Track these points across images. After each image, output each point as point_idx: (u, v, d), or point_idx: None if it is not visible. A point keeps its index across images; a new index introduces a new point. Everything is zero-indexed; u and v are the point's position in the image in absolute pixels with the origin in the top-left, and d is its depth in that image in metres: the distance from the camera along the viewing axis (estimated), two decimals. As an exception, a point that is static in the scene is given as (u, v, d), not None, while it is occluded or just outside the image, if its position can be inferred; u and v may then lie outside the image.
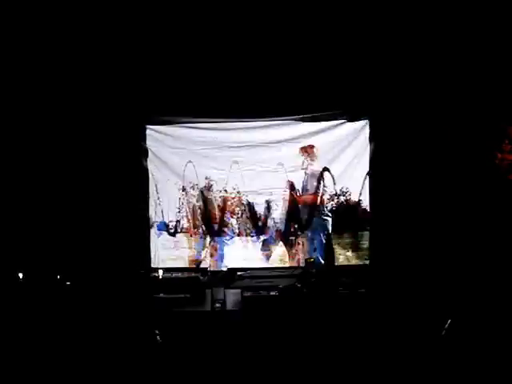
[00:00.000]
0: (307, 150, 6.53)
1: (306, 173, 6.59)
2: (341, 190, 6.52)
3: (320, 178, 6.55)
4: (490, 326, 4.14)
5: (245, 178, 6.59)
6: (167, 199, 6.59)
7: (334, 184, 6.53)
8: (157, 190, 6.57)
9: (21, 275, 5.38)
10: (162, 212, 6.57)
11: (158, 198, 6.58)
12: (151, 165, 6.55)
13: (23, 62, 6.03)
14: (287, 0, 5.91)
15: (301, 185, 6.60)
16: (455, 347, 4.02)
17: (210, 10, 5.93)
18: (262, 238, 6.52)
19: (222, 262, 6.43)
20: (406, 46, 6.08)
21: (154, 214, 6.55)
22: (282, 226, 6.54)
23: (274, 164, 6.58)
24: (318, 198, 6.54)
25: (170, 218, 6.59)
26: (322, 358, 4.29)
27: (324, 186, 6.54)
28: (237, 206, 6.58)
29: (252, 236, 6.53)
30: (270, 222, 6.56)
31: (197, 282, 5.17)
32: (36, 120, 6.19)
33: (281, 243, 6.50)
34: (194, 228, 6.58)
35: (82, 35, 6.01)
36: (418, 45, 6.05)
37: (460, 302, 4.71)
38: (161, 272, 5.65)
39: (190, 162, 6.56)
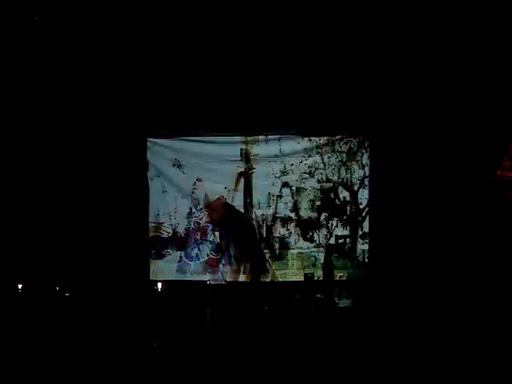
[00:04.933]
0: None
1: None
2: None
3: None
4: (490, 331, 4.15)
5: (245, 191, 6.63)
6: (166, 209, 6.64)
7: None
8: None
9: (20, 286, 5.37)
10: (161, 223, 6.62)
11: (158, 210, 6.60)
12: (151, 176, 6.59)
13: (30, 77, 6.08)
14: (290, 18, 5.96)
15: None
16: (456, 355, 4.02)
17: (213, 27, 5.98)
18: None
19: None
20: (405, 63, 6.13)
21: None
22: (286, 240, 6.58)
23: (274, 177, 6.62)
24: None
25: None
26: (323, 371, 4.28)
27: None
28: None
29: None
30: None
31: (196, 294, 5.16)
32: (38, 129, 6.22)
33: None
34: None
35: (86, 49, 6.06)
36: (418, 62, 6.09)
37: (459, 315, 4.72)
38: (160, 285, 5.64)
39: (189, 174, 6.60)
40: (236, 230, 6.53)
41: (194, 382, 4.22)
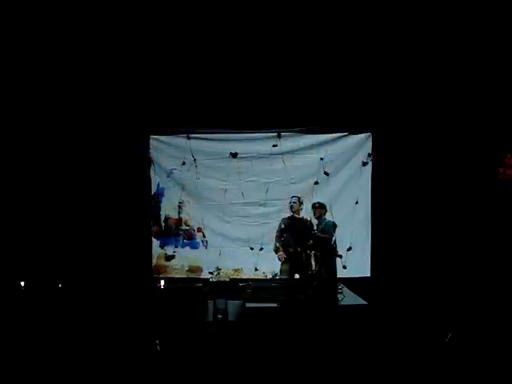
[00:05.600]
0: None
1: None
2: None
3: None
4: (491, 336, 4.16)
5: (246, 189, 6.61)
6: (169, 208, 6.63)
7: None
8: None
9: (23, 283, 5.38)
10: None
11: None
12: (154, 174, 6.57)
13: (31, 76, 6.08)
14: (293, 13, 5.95)
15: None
16: (457, 358, 4.03)
17: (215, 24, 5.97)
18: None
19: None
20: (408, 59, 6.12)
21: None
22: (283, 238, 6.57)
23: (277, 176, 6.60)
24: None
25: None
26: (322, 369, 4.29)
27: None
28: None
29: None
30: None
31: (199, 292, 5.15)
32: (40, 127, 6.21)
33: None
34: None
35: (87, 45, 6.05)
36: (421, 58, 6.09)
37: (461, 312, 4.72)
38: (162, 282, 5.64)
39: (191, 171, 6.59)
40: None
41: (196, 380, 4.24)
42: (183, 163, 6.57)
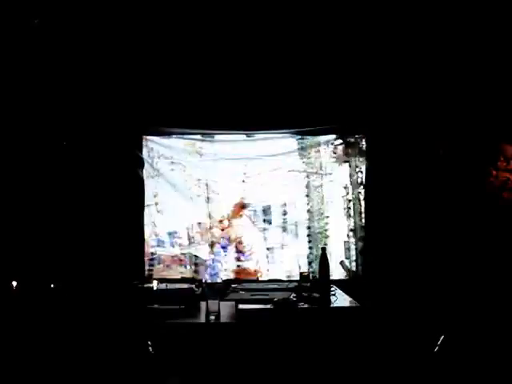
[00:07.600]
0: None
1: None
2: None
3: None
4: (485, 338, 4.17)
5: (242, 191, 6.61)
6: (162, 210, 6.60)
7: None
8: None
9: (14, 283, 5.35)
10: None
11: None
12: (147, 176, 6.55)
13: (24, 75, 6.06)
14: (284, 16, 5.96)
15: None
16: (451, 361, 4.04)
17: (206, 27, 5.97)
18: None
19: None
20: (401, 61, 6.14)
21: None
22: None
23: (271, 177, 6.60)
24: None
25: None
26: (315, 370, 4.29)
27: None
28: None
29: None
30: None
31: (191, 293, 5.13)
32: (32, 127, 6.18)
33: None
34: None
35: (80, 45, 6.04)
36: (414, 61, 6.11)
37: (455, 317, 4.74)
38: (155, 283, 5.61)
39: (186, 173, 6.58)
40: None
41: (189, 382, 4.23)
42: (177, 164, 6.57)
